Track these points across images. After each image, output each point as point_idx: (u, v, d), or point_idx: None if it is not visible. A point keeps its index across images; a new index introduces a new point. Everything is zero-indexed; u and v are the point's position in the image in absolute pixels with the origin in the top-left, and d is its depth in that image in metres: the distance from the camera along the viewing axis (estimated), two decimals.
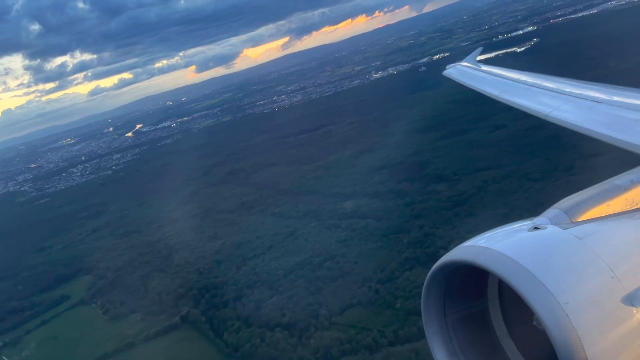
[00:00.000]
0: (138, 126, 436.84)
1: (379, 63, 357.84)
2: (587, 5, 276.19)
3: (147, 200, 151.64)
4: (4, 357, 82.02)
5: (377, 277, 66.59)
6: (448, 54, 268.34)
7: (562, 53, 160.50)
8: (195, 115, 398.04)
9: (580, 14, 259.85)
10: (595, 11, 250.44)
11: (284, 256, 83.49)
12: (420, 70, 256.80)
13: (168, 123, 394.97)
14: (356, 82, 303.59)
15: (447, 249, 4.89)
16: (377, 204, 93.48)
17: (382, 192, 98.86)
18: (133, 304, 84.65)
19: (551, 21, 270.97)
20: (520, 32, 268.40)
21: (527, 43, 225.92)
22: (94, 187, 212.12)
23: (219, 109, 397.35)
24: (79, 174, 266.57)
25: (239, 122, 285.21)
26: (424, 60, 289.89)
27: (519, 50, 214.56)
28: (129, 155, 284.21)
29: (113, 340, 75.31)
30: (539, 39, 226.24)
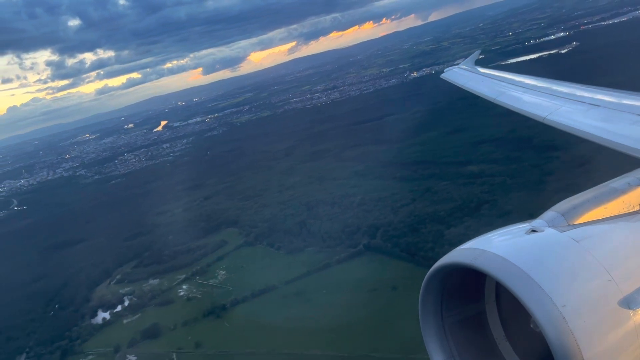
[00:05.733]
0: (163, 122, 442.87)
1: (407, 65, 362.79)
2: (614, 13, 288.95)
3: (244, 175, 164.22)
4: (197, 279, 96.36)
5: (541, 212, 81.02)
6: (482, 57, 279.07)
7: (612, 52, 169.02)
8: (226, 112, 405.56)
9: (610, 21, 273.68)
10: (626, 19, 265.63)
11: (434, 204, 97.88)
12: None
13: (199, 119, 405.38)
14: (393, 81, 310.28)
15: None
16: (499, 168, 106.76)
17: (498, 159, 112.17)
18: (303, 241, 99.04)
19: (582, 27, 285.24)
20: (553, 37, 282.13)
21: (566, 46, 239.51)
22: (163, 169, 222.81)
23: (248, 106, 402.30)
24: (134, 160, 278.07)
25: (283, 116, 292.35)
26: (459, 61, 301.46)
27: (562, 51, 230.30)
28: (180, 145, 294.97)
29: (304, 264, 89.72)
30: (578, 43, 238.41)
